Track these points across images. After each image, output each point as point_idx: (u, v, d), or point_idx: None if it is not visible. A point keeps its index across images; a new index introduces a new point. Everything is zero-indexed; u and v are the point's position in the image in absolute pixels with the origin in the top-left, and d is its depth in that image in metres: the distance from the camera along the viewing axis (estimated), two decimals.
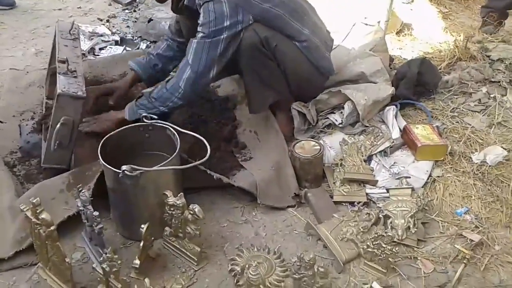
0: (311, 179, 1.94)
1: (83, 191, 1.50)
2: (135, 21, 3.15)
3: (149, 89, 1.95)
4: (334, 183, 1.94)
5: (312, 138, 2.11)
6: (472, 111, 2.27)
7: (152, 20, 3.01)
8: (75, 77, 1.82)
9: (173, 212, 1.55)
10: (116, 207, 1.70)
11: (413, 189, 1.83)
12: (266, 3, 1.87)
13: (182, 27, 2.14)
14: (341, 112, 2.13)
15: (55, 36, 2.12)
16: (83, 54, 2.73)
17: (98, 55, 2.77)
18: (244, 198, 1.88)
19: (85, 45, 2.77)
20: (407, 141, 2.07)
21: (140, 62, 2.21)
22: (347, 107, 2.09)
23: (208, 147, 1.66)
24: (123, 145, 1.76)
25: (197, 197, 1.88)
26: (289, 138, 2.15)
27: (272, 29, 1.89)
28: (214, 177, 1.80)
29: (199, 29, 1.83)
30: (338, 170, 1.97)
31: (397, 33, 3.03)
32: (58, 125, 1.74)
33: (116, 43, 2.87)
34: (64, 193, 1.74)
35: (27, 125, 2.09)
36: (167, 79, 1.97)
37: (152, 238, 1.59)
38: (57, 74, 1.81)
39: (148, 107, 1.89)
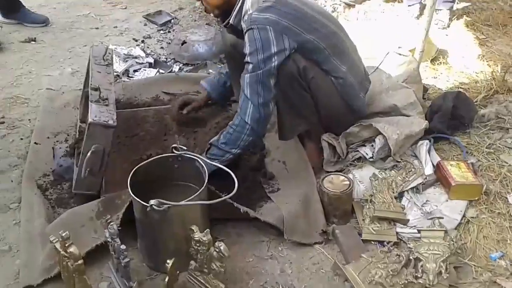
0: (340, 215, 1.90)
1: (111, 223, 1.52)
2: (169, 43, 3.19)
3: (215, 138, 1.95)
4: (363, 220, 1.90)
5: (341, 171, 2.08)
6: (509, 148, 2.19)
7: (185, 42, 3.05)
8: (106, 105, 1.85)
9: (199, 248, 1.54)
10: (143, 238, 1.71)
11: (446, 231, 1.77)
12: (310, 34, 1.87)
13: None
14: (372, 146, 2.09)
15: (89, 61, 2.16)
16: (118, 75, 2.79)
17: (132, 77, 2.82)
18: (271, 231, 1.85)
19: (120, 67, 2.82)
20: (440, 178, 2.01)
21: (211, 81, 2.35)
22: (378, 141, 2.05)
23: (236, 182, 1.65)
24: (152, 175, 1.77)
25: (223, 228, 1.87)
26: (317, 170, 2.12)
27: (311, 61, 1.89)
28: (241, 210, 1.79)
29: (247, 59, 1.83)
30: (367, 207, 1.93)
31: (432, 60, 2.96)
32: (89, 153, 1.77)
33: (150, 65, 2.91)
34: (93, 221, 1.76)
35: (60, 148, 2.13)
36: (230, 123, 1.94)
37: (178, 272, 1.59)
38: (89, 102, 1.84)
39: (220, 154, 1.91)
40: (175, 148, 1.77)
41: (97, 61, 2.10)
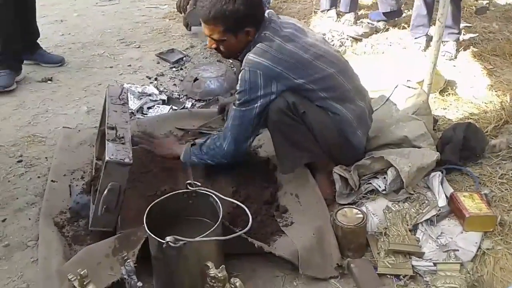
0: (354, 248, 1.90)
1: (128, 260, 1.53)
2: (182, 80, 3.27)
3: (201, 140, 2.20)
4: (378, 253, 1.90)
5: (354, 203, 2.10)
6: None
7: (197, 79, 3.12)
8: (123, 143, 1.89)
9: (214, 284, 1.55)
10: (158, 275, 1.72)
11: (461, 263, 1.76)
12: (301, 79, 1.96)
13: None
14: (384, 178, 2.11)
15: (105, 101, 2.23)
16: (132, 113, 2.85)
17: (146, 114, 2.88)
18: (286, 266, 1.85)
19: (134, 104, 2.89)
20: (454, 210, 2.01)
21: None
22: (390, 173, 2.07)
23: (250, 217, 1.67)
24: (167, 211, 1.80)
25: (237, 263, 1.87)
26: (330, 202, 2.13)
27: (302, 98, 1.98)
28: (256, 245, 1.80)
29: (236, 95, 1.99)
30: (382, 240, 1.93)
31: (441, 92, 3.00)
32: (106, 191, 1.80)
33: (164, 102, 2.98)
34: (110, 258, 1.78)
35: (77, 185, 2.17)
36: (218, 135, 2.15)
37: None
38: (106, 141, 1.89)
39: (198, 157, 2.16)
40: (190, 184, 1.80)
41: (113, 100, 2.17)
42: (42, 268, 1.80)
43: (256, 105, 1.96)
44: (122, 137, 1.91)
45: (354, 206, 1.99)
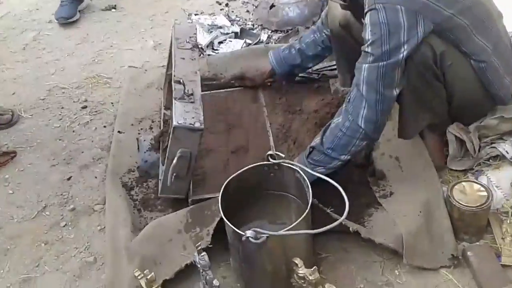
0: (472, 232, 1.55)
1: (202, 254, 1.29)
2: (256, 7, 2.84)
3: (317, 140, 1.62)
4: (502, 238, 1.53)
5: (471, 170, 1.71)
6: None
7: (274, 6, 2.69)
8: (192, 102, 1.60)
9: (303, 285, 1.29)
10: (236, 261, 1.48)
11: None
12: (450, 9, 1.44)
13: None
14: None
15: (171, 43, 1.91)
16: (202, 49, 2.53)
17: (217, 50, 2.55)
18: (385, 249, 1.55)
19: (204, 38, 2.56)
20: None
21: (278, 57, 2.06)
22: None
23: (347, 203, 1.35)
24: (245, 185, 1.52)
25: (326, 241, 1.59)
26: (439, 168, 1.76)
27: (450, 42, 1.47)
28: (351, 229, 1.50)
29: (366, 49, 1.46)
30: (508, 222, 1.55)
31: None
32: (175, 159, 1.55)
33: (236, 35, 2.61)
34: (182, 235, 1.57)
35: (145, 140, 1.93)
36: (337, 122, 1.57)
37: None
38: (173, 99, 1.60)
39: (326, 161, 1.59)
40: (271, 156, 1.49)
41: (180, 44, 1.84)
42: (110, 240, 1.63)
43: (400, 56, 1.42)
44: (191, 94, 1.62)
45: (474, 180, 1.60)
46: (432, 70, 1.47)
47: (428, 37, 1.42)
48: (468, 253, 1.50)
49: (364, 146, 1.58)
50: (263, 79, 2.12)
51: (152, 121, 2.15)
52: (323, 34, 1.94)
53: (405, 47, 1.41)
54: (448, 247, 1.51)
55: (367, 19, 1.43)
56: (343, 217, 1.32)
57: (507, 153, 1.67)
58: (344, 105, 1.56)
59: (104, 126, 2.17)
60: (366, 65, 1.46)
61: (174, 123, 1.51)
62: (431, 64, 1.46)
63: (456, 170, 1.76)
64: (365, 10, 1.44)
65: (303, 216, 1.32)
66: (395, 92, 1.48)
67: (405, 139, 1.69)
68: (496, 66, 1.54)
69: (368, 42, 1.44)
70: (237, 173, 1.48)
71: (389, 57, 1.42)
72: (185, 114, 1.54)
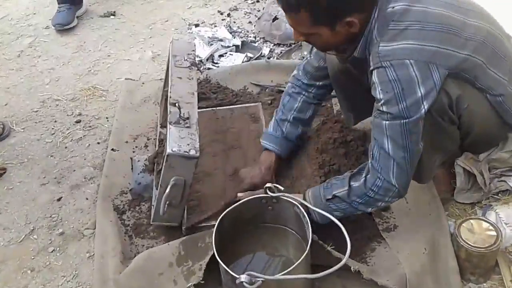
0: (480, 272, 1.47)
1: None
2: (258, 19, 2.76)
3: (341, 191, 1.45)
4: (511, 281, 1.45)
5: (479, 203, 1.63)
6: None
7: (277, 18, 2.61)
8: (188, 126, 1.52)
9: None
10: None
11: None
12: (464, 50, 1.31)
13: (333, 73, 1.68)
14: None
15: (169, 60, 1.84)
16: (201, 61, 2.45)
17: (217, 63, 2.47)
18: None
19: (204, 51, 2.48)
20: None
21: (275, 140, 1.77)
22: None
23: (349, 242, 1.27)
24: (242, 217, 1.45)
25: (326, 277, 1.48)
26: (446, 200, 1.68)
27: (465, 82, 1.35)
28: (352, 269, 1.42)
29: (381, 108, 1.32)
30: None
31: None
32: (169, 188, 1.47)
33: (237, 48, 2.53)
34: (173, 268, 1.48)
35: (139, 161, 1.85)
36: (367, 181, 1.41)
37: None
38: (168, 124, 1.52)
39: (350, 211, 1.47)
40: (269, 188, 1.41)
41: (177, 62, 1.77)
42: (97, 270, 1.55)
43: (422, 111, 1.28)
44: (187, 118, 1.54)
45: (483, 218, 1.52)
46: (447, 116, 1.36)
47: (443, 83, 1.30)
48: None
49: (392, 202, 1.47)
50: (273, 173, 1.75)
51: (148, 139, 2.07)
52: (312, 89, 1.76)
53: (425, 101, 1.28)
54: None
55: (374, 78, 1.31)
56: (344, 260, 1.24)
57: None
58: (370, 161, 1.42)
59: (98, 143, 2.09)
60: (387, 122, 1.32)
61: (168, 150, 1.43)
62: (447, 110, 1.35)
63: (463, 203, 1.68)
64: (371, 69, 1.33)
65: (301, 258, 1.24)
66: (421, 145, 1.36)
67: (421, 184, 1.58)
68: None
69: (382, 102, 1.31)
70: (232, 206, 1.40)
71: (409, 113, 1.29)
72: (180, 141, 1.46)
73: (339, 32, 1.34)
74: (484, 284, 1.48)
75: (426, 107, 1.28)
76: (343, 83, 1.67)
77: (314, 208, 1.41)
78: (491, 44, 1.37)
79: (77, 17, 2.96)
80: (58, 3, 2.91)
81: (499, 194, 1.65)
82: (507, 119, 1.45)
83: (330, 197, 1.46)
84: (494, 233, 1.45)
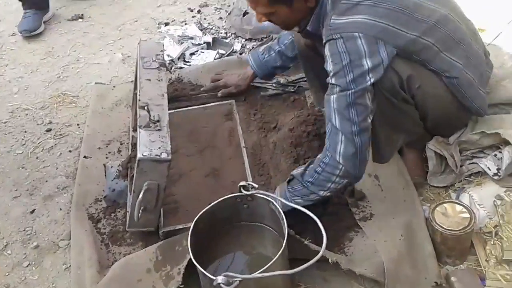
0: (456, 254, 1.49)
1: None
2: (229, 14, 2.74)
3: (299, 169, 1.51)
4: (486, 261, 1.47)
5: (452, 186, 1.65)
6: None
7: (247, 13, 2.58)
8: (158, 129, 1.50)
9: None
10: None
11: None
12: (413, 31, 1.37)
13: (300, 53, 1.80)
14: (496, 157, 1.61)
15: (137, 62, 1.81)
16: (172, 61, 2.42)
17: (188, 62, 2.44)
18: (366, 276, 1.47)
19: (174, 50, 2.45)
20: None
21: (258, 60, 2.01)
22: (508, 154, 1.56)
23: (325, 235, 1.28)
24: (217, 217, 1.44)
25: (305, 270, 1.48)
26: (419, 185, 1.70)
27: (416, 63, 1.40)
28: (330, 260, 1.42)
29: (331, 80, 1.37)
30: (492, 242, 1.49)
31: None
32: (142, 193, 1.45)
33: (208, 45, 2.51)
34: (152, 274, 1.47)
35: (112, 167, 1.83)
36: (320, 157, 1.46)
37: None
38: (138, 127, 1.50)
39: (304, 193, 1.48)
40: (244, 187, 1.40)
41: (146, 63, 1.74)
42: (74, 282, 1.54)
43: (367, 84, 1.34)
44: (158, 121, 1.52)
45: (456, 201, 1.53)
46: (400, 95, 1.41)
47: (392, 62, 1.35)
48: (452, 278, 1.43)
49: (345, 183, 1.48)
50: (247, 83, 2.08)
51: (121, 143, 2.04)
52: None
53: (371, 74, 1.33)
54: (431, 274, 1.44)
55: (326, 51, 1.36)
56: (321, 252, 1.25)
57: (489, 169, 1.61)
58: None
59: (70, 151, 2.06)
60: (335, 95, 1.37)
61: (139, 155, 1.41)
62: (398, 89, 1.39)
63: (437, 187, 1.69)
64: (323, 42, 1.37)
65: (277, 255, 1.24)
66: (369, 119, 1.39)
67: (380, 163, 1.61)
68: (469, 79, 1.48)
69: (331, 73, 1.36)
70: (207, 207, 1.40)
71: (355, 85, 1.34)
72: (151, 145, 1.44)
73: (298, 8, 1.41)
74: (461, 266, 1.49)
75: (372, 80, 1.34)
76: (311, 60, 1.75)
77: (277, 197, 1.42)
78: (444, 27, 1.40)
79: (44, 22, 2.90)
80: (24, 9, 2.85)
81: (472, 176, 1.66)
82: (463, 101, 1.50)
83: (290, 178, 1.51)
84: (467, 215, 1.46)
